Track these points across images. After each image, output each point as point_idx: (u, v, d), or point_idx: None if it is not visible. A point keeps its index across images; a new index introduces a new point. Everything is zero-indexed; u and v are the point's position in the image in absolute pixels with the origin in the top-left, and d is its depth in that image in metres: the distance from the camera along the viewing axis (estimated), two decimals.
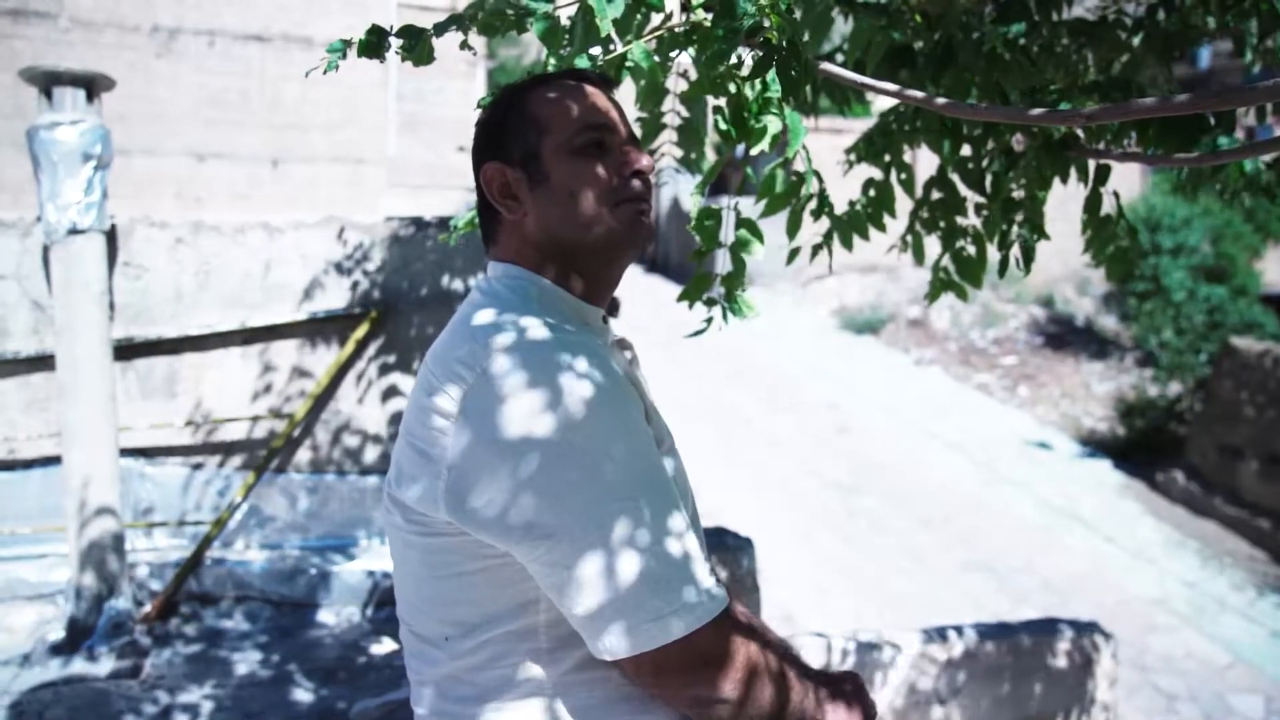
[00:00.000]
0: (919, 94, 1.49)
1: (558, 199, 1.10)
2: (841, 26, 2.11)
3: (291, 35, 8.41)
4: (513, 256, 1.13)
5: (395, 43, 1.52)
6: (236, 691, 2.80)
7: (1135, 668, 6.73)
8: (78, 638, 2.95)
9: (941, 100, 1.45)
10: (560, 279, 1.12)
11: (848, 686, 1.14)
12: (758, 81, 1.50)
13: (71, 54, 7.27)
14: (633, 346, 1.28)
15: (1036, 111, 1.41)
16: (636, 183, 1.12)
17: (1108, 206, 2.16)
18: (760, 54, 1.44)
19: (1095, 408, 12.22)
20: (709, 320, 1.84)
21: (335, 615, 3.30)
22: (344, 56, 1.48)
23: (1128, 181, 14.68)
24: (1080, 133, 2.10)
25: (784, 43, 1.41)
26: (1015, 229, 2.14)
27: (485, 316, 1.03)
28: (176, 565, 3.31)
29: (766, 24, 1.44)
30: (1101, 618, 6.87)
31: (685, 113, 1.86)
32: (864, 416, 11.14)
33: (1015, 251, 2.22)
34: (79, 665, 2.84)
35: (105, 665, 2.85)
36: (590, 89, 1.16)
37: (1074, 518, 9.19)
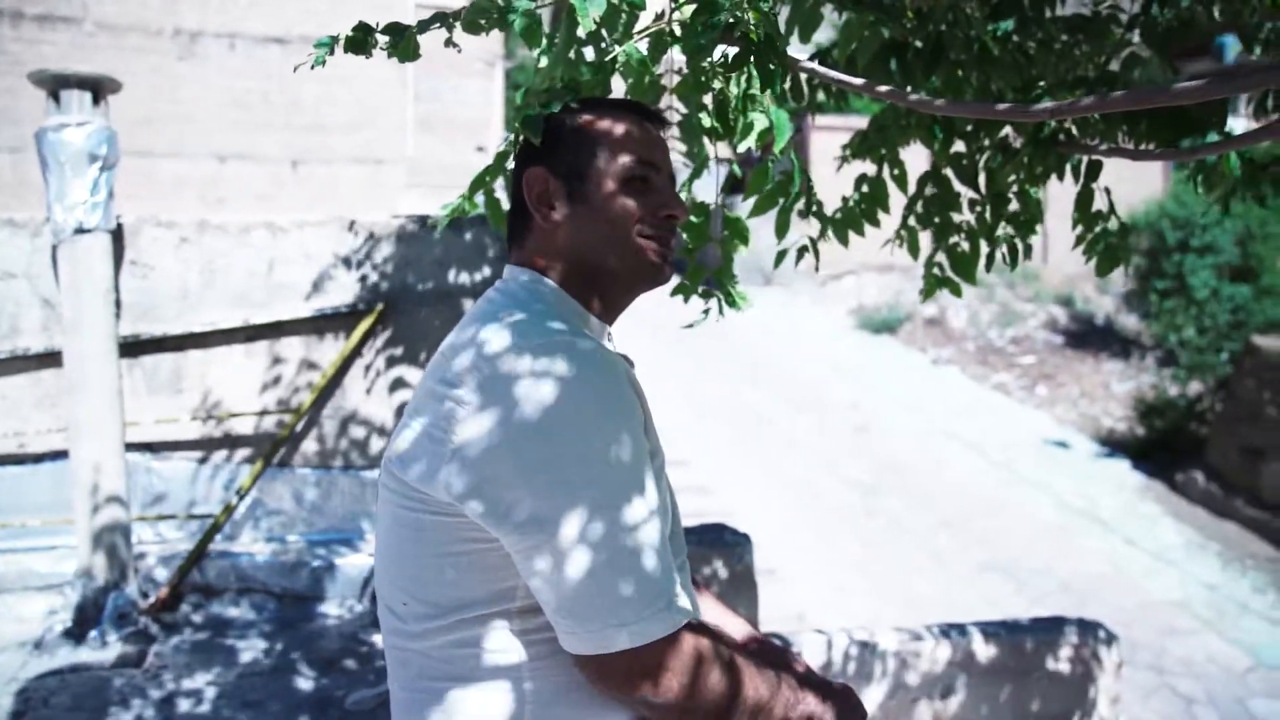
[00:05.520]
0: (886, 88, 1.50)
1: (592, 221, 1.15)
2: (837, 22, 2.11)
3: (311, 38, 8.47)
4: (535, 262, 1.18)
5: (382, 40, 1.54)
6: (238, 680, 2.85)
7: (1154, 671, 6.67)
8: (84, 626, 3.01)
9: (914, 96, 1.45)
10: (576, 291, 1.17)
11: (838, 695, 1.15)
12: (741, 78, 1.51)
13: (97, 58, 7.39)
14: (634, 365, 1.32)
15: (1002, 106, 1.41)
16: (666, 226, 1.18)
17: (1101, 203, 2.15)
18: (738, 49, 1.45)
19: (1114, 407, 12.10)
20: (706, 312, 1.85)
21: (338, 607, 3.34)
22: (331, 53, 1.51)
23: (1150, 180, 14.50)
24: (1074, 129, 2.10)
25: (761, 38, 1.42)
26: (1005, 225, 2.14)
27: (503, 313, 1.08)
28: (182, 557, 3.37)
29: (744, 18, 1.45)
30: (1121, 620, 6.84)
31: (684, 109, 1.88)
32: (882, 416, 11.09)
33: (1020, 249, 2.23)
34: (85, 653, 2.90)
35: (110, 653, 2.90)
36: (645, 124, 1.21)
37: (1093, 519, 9.11)
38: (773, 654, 1.34)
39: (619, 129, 1.18)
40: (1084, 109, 1.49)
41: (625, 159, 1.16)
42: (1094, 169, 2.09)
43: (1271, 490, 9.07)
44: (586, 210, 1.15)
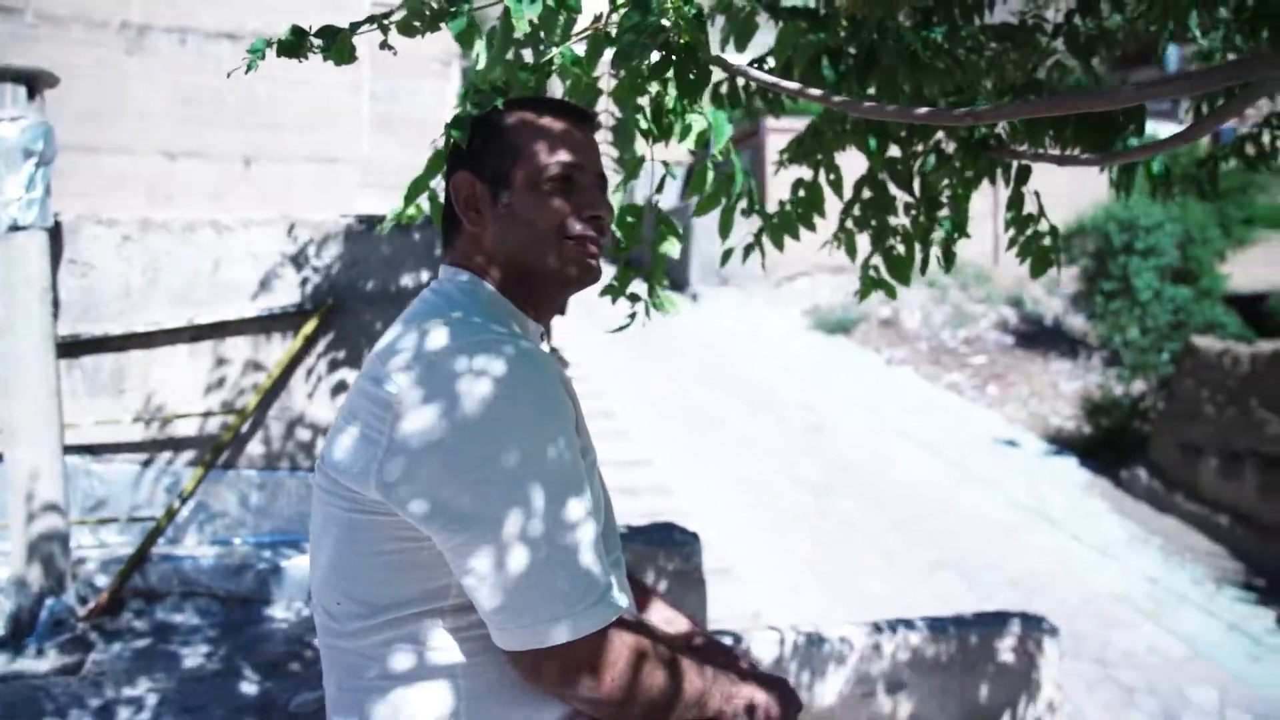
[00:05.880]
0: (816, 91, 1.53)
1: (517, 224, 1.16)
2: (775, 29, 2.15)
3: (265, 34, 8.35)
4: (467, 263, 1.19)
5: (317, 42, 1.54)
6: (180, 686, 2.81)
7: (1098, 662, 6.82)
8: (19, 634, 2.96)
9: (838, 99, 1.49)
10: (509, 292, 1.18)
11: (775, 687, 1.18)
12: (668, 84, 1.53)
13: (37, 50, 7.21)
14: (567, 365, 1.33)
15: (922, 110, 1.45)
16: (593, 226, 1.19)
17: (1031, 206, 2.21)
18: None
19: (1062, 406, 12.35)
20: (632, 316, 1.87)
21: (284, 610, 3.31)
22: (263, 56, 1.51)
23: (1098, 183, 14.81)
24: (1004, 134, 2.15)
25: (684, 45, 1.44)
26: (939, 228, 2.19)
27: (434, 314, 1.09)
28: (123, 561, 3.32)
29: (671, 25, 1.47)
30: (1066, 614, 6.99)
31: (619, 112, 1.90)
32: (836, 416, 11.21)
33: (953, 251, 2.28)
34: (20, 663, 2.85)
35: (46, 662, 2.85)
36: (571, 126, 1.22)
37: (1041, 516, 9.28)
38: (710, 649, 1.37)
39: (543, 130, 1.19)
40: (1002, 114, 1.54)
41: (549, 160, 1.17)
42: (1023, 173, 2.15)
43: (1209, 486, 9.33)
44: (510, 215, 1.17)
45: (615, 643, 1.00)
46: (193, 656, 3.00)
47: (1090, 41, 2.22)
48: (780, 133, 13.53)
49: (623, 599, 1.03)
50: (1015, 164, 2.16)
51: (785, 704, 1.17)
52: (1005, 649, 2.94)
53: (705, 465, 9.07)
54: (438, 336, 1.03)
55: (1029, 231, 2.18)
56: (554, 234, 1.16)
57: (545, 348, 1.20)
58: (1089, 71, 2.26)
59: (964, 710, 2.91)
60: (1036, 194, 2.17)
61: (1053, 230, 2.17)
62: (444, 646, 1.04)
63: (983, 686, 2.92)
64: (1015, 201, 2.18)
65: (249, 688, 2.84)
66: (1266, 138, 2.15)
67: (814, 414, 11.14)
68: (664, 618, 1.40)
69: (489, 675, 1.04)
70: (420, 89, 10.54)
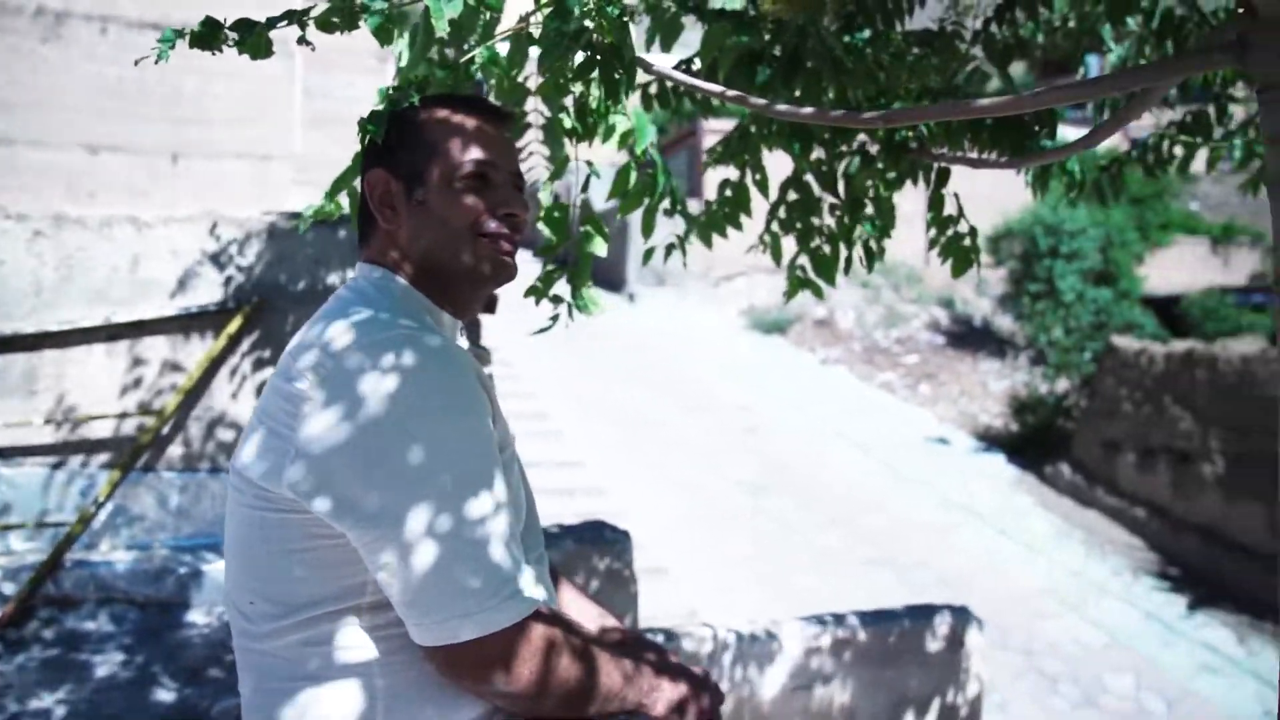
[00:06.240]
0: (735, 93, 1.55)
1: (431, 222, 1.16)
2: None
3: (191, 24, 8.14)
4: (382, 260, 1.18)
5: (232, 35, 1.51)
6: (94, 695, 2.73)
7: (1023, 653, 7.01)
8: None
9: (754, 100, 1.51)
10: (425, 289, 1.17)
11: (697, 680, 1.19)
12: (591, 85, 1.54)
13: None
14: (489, 359, 1.33)
15: (836, 113, 1.48)
16: (508, 224, 1.18)
17: (951, 208, 2.26)
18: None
19: (991, 405, 12.68)
20: (554, 318, 1.86)
21: (205, 615, 3.23)
22: (173, 47, 1.48)
23: (1025, 188, 15.20)
24: (924, 137, 2.20)
25: (605, 45, 1.45)
26: (861, 228, 2.23)
27: (348, 311, 1.08)
28: (33, 568, 3.20)
29: (593, 26, 1.47)
30: (994, 609, 7.17)
31: (548, 111, 1.89)
32: (772, 416, 11.33)
33: (875, 251, 2.33)
34: None
35: None
36: (485, 123, 1.21)
37: (971, 512, 9.51)
38: (633, 643, 1.37)
39: (457, 127, 1.19)
40: (913, 116, 1.58)
41: (463, 158, 1.17)
42: (943, 175, 2.21)
43: (1127, 481, 9.66)
44: (425, 212, 1.16)
45: (529, 637, 1.00)
46: (107, 665, 2.90)
47: (1007, 49, 2.29)
48: (717, 134, 13.62)
49: (539, 593, 1.03)
50: (935, 166, 2.21)
51: (707, 695, 1.18)
52: (933, 640, 3.01)
53: (641, 466, 9.10)
54: (347, 333, 1.03)
55: (950, 232, 2.23)
56: (468, 231, 1.16)
57: (463, 343, 1.20)
58: (1006, 78, 2.33)
59: (893, 700, 2.97)
60: (956, 196, 2.23)
61: (972, 231, 2.23)
62: (361, 644, 1.03)
63: (912, 677, 2.98)
64: (936, 203, 2.23)
65: (167, 695, 2.76)
66: (1165, 145, 2.23)
67: (750, 414, 11.25)
68: (589, 614, 1.40)
69: (408, 673, 1.04)
70: (355, 85, 10.37)
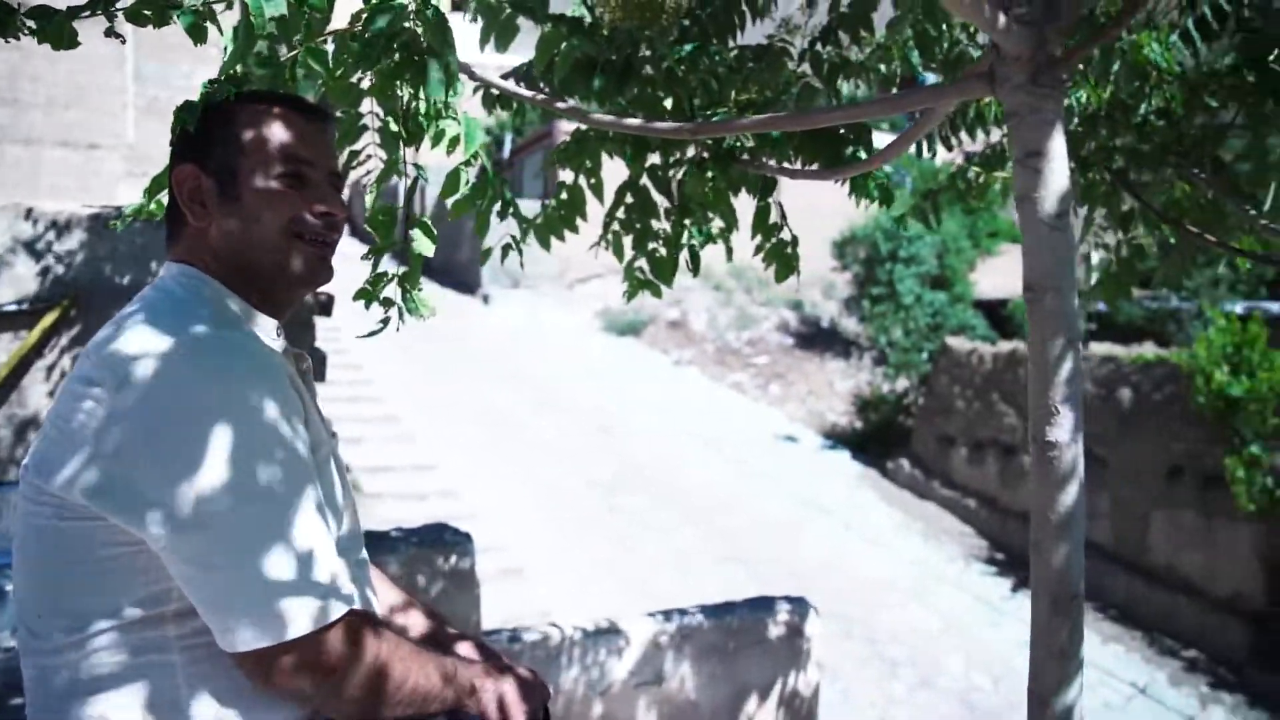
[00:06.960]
0: (563, 105, 1.59)
1: (244, 221, 1.13)
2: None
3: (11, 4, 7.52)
4: (191, 259, 1.14)
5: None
6: None
7: (867, 641, 7.35)
8: None
9: (564, 106, 1.55)
10: (238, 288, 1.14)
11: (521, 679, 1.20)
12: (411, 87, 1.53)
13: None
14: (309, 360, 1.30)
15: (662, 125, 1.54)
16: (323, 223, 1.16)
17: (775, 216, 2.37)
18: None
19: (837, 403, 13.24)
20: (384, 321, 1.84)
21: (9, 638, 3.00)
22: None
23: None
24: (750, 148, 2.30)
25: (426, 48, 1.45)
26: (689, 233, 2.32)
27: (152, 312, 1.05)
28: None
29: (408, 28, 1.47)
30: (841, 600, 7.48)
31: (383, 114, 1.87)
32: (627, 416, 11.45)
33: (699, 255, 2.41)
34: None
35: None
36: (301, 120, 1.19)
37: (818, 508, 9.88)
38: (457, 643, 1.38)
39: (272, 124, 1.17)
40: (729, 128, 1.66)
41: (277, 155, 1.15)
42: (768, 185, 2.31)
43: (960, 473, 10.29)
44: (237, 210, 1.14)
45: (338, 639, 1.00)
46: None
47: (834, 68, 2.41)
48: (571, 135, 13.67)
49: (351, 595, 1.03)
50: (762, 176, 2.32)
51: (531, 692, 1.20)
52: (773, 630, 3.13)
53: (495, 468, 9.04)
54: (143, 335, 1.01)
55: (774, 240, 2.34)
56: (283, 231, 1.14)
57: (279, 344, 1.18)
58: (833, 95, 2.45)
59: (735, 689, 3.07)
60: (779, 204, 2.33)
61: (794, 239, 2.34)
62: (164, 653, 1.01)
63: (753, 666, 3.09)
64: (761, 211, 2.33)
65: None
66: (971, 174, 2.41)
67: (605, 415, 11.34)
68: (417, 617, 1.40)
69: (215, 681, 1.02)
70: (196, 74, 9.83)
